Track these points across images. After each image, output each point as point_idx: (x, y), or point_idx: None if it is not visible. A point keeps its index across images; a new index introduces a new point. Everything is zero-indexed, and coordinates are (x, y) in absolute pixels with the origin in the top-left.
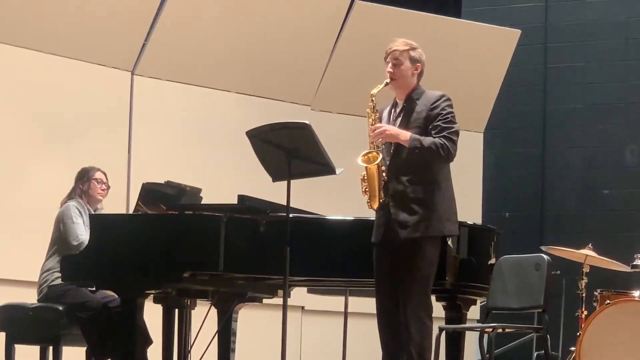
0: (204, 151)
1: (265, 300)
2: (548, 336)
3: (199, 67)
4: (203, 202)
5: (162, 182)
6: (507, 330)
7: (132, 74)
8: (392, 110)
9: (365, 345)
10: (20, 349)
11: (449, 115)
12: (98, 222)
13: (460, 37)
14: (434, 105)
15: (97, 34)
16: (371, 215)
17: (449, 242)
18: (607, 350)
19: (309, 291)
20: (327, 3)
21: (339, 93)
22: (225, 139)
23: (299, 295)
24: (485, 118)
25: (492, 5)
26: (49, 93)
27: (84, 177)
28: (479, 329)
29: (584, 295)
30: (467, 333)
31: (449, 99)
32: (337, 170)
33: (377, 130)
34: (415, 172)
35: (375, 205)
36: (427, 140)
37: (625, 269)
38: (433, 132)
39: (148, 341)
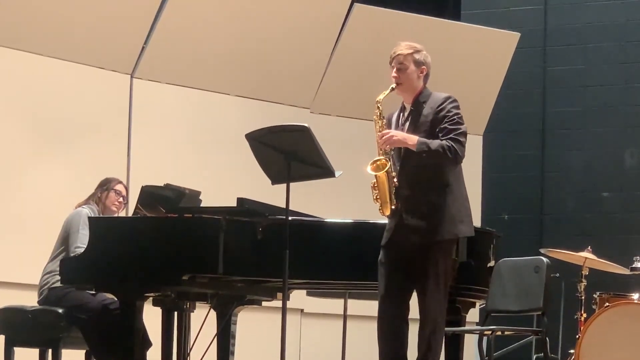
0: (203, 154)
1: (264, 303)
2: (547, 339)
3: (198, 70)
4: (202, 205)
5: (162, 184)
6: (506, 332)
7: (132, 76)
8: (400, 115)
9: (364, 347)
10: (19, 352)
11: (455, 117)
12: (97, 225)
13: (460, 40)
14: (440, 107)
15: (97, 37)
16: (370, 217)
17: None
18: (606, 352)
19: (308, 294)
20: (327, 6)
21: (338, 96)
22: (225, 141)
23: (298, 297)
24: (485, 121)
25: (491, 8)
26: (48, 96)
27: (105, 185)
28: (478, 332)
29: (583, 297)
30: (467, 336)
31: (455, 101)
32: (337, 173)
33: (384, 137)
34: (425, 176)
35: (387, 212)
36: (435, 143)
37: (625, 271)
38: (440, 134)
39: (147, 344)
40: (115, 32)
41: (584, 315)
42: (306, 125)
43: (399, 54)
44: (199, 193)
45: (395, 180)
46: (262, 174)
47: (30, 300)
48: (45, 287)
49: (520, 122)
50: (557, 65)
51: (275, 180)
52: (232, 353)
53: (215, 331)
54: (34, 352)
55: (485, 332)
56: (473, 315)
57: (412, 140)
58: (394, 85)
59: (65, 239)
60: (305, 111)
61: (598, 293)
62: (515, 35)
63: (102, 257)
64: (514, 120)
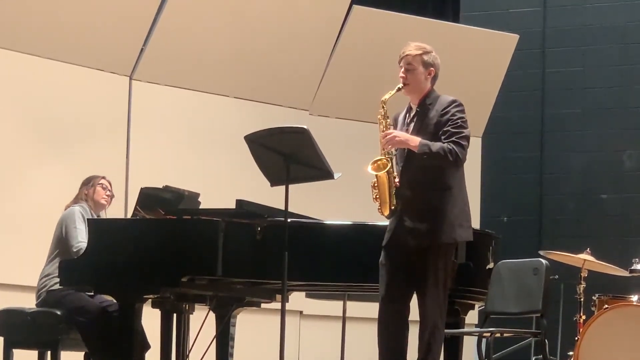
0: (202, 156)
1: (263, 305)
2: (546, 341)
3: (197, 72)
4: (201, 206)
5: (161, 186)
6: (505, 334)
7: (130, 78)
8: (407, 115)
9: (364, 350)
10: (18, 354)
11: (459, 121)
12: (96, 227)
13: (459, 42)
14: (444, 110)
15: (95, 39)
16: (370, 219)
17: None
18: (605, 354)
19: (307, 296)
20: (325, 8)
21: (337, 98)
22: (224, 143)
23: (297, 299)
24: (484, 123)
25: (490, 10)
26: (47, 98)
27: (89, 182)
28: (477, 334)
29: (582, 299)
30: (466, 338)
31: (460, 105)
32: (335, 175)
33: (387, 137)
34: (427, 178)
35: (386, 212)
36: (436, 146)
37: (624, 273)
38: (442, 137)
39: (146, 346)
40: (114, 34)
41: (583, 317)
42: (305, 127)
43: (407, 54)
44: (198, 195)
45: (396, 180)
46: (261, 176)
47: (29, 302)
48: (43, 290)
49: (519, 124)
50: (556, 67)
51: (274, 182)
52: (231, 355)
53: (214, 333)
54: (33, 354)
55: (484, 334)
56: (472, 317)
57: (414, 141)
58: (400, 85)
59: (60, 240)
60: (304, 113)
61: (597, 295)
62: (514, 37)
63: (101, 259)
64: (513, 122)
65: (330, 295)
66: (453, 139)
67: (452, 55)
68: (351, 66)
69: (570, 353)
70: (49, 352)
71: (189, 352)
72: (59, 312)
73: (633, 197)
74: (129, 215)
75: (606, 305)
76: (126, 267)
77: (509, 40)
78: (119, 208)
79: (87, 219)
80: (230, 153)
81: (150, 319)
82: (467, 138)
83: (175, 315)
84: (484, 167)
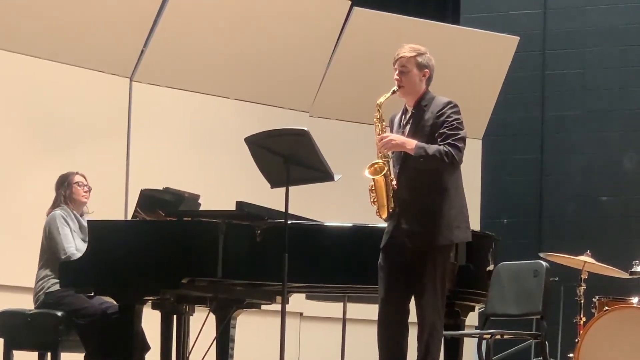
0: (202, 158)
1: (263, 307)
2: (546, 342)
3: (197, 73)
4: (201, 208)
5: (161, 188)
6: (505, 336)
7: (131, 80)
8: (402, 117)
9: (364, 351)
10: (18, 355)
11: (454, 122)
12: (96, 228)
13: (459, 44)
14: (440, 112)
15: (96, 40)
16: (370, 221)
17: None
18: (605, 356)
19: (308, 297)
20: (326, 10)
21: (337, 99)
22: (224, 145)
23: (298, 301)
24: (484, 125)
25: (490, 12)
26: (48, 99)
27: (64, 182)
28: (477, 335)
29: (582, 301)
30: (466, 339)
31: (455, 106)
32: (336, 177)
33: (383, 141)
34: (424, 180)
35: (384, 215)
36: (432, 148)
37: (624, 275)
38: (438, 139)
39: (146, 347)
40: (115, 36)
41: (583, 319)
42: (305, 128)
43: (402, 57)
44: (198, 197)
45: (394, 183)
46: (261, 178)
47: (29, 303)
48: (41, 292)
49: (519, 126)
50: (556, 69)
51: (274, 183)
52: (231, 356)
53: (214, 334)
54: (33, 356)
55: (485, 336)
56: (472, 319)
57: (410, 144)
58: (395, 88)
59: (47, 246)
60: (304, 115)
61: (597, 297)
62: (515, 39)
63: (101, 261)
64: (513, 124)
65: (330, 297)
66: (449, 140)
67: (453, 57)
68: (351, 68)
69: (571, 355)
70: (49, 354)
71: (189, 353)
72: (58, 314)
73: (633, 199)
74: (129, 217)
75: (606, 307)
76: (126, 269)
77: (509, 42)
78: (119, 209)
79: (88, 221)
80: (230, 155)
81: (150, 321)
82: (463, 139)
83: (175, 316)
84: (484, 169)
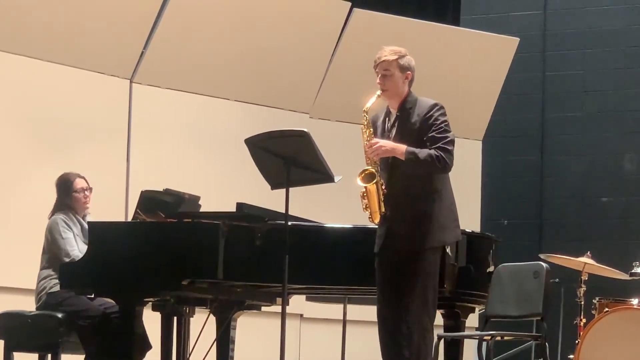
0: (202, 159)
1: (264, 308)
2: (547, 344)
3: (197, 75)
4: (202, 210)
5: (161, 190)
6: (505, 338)
7: (131, 81)
8: (386, 119)
9: (364, 353)
10: (18, 357)
11: (442, 125)
12: (97, 230)
13: (459, 45)
14: (427, 115)
15: (96, 42)
16: (369, 222)
17: (448, 250)
18: (605, 358)
19: (308, 299)
20: (326, 11)
21: (337, 101)
22: (224, 146)
23: (298, 303)
24: (484, 126)
25: (490, 13)
26: (48, 100)
27: (65, 189)
28: (477, 337)
29: (582, 303)
30: (466, 341)
31: (442, 108)
32: (336, 178)
33: (373, 147)
34: (414, 183)
35: (377, 220)
36: (423, 153)
37: (624, 276)
38: (428, 143)
39: (147, 347)
40: (115, 37)
41: (584, 320)
42: (305, 130)
43: (383, 60)
44: (198, 198)
45: (383, 187)
46: (261, 179)
47: (29, 305)
48: (43, 292)
49: (519, 127)
50: (556, 70)
51: (274, 185)
52: (232, 358)
53: (214, 336)
54: (33, 357)
55: (485, 337)
56: (472, 320)
57: (401, 149)
58: (379, 92)
59: (49, 248)
60: (304, 116)
61: (597, 298)
62: (515, 41)
63: (102, 262)
64: (513, 126)
65: (330, 298)
66: (439, 144)
67: (453, 58)
68: (351, 69)
69: (571, 356)
70: (49, 355)
71: (190, 355)
72: (59, 315)
73: (633, 200)
74: (129, 219)
75: (606, 309)
76: (127, 270)
77: (509, 44)
78: (120, 211)
79: (88, 223)
80: (230, 156)
81: (151, 322)
82: (452, 142)
83: (175, 318)
84: (484, 171)
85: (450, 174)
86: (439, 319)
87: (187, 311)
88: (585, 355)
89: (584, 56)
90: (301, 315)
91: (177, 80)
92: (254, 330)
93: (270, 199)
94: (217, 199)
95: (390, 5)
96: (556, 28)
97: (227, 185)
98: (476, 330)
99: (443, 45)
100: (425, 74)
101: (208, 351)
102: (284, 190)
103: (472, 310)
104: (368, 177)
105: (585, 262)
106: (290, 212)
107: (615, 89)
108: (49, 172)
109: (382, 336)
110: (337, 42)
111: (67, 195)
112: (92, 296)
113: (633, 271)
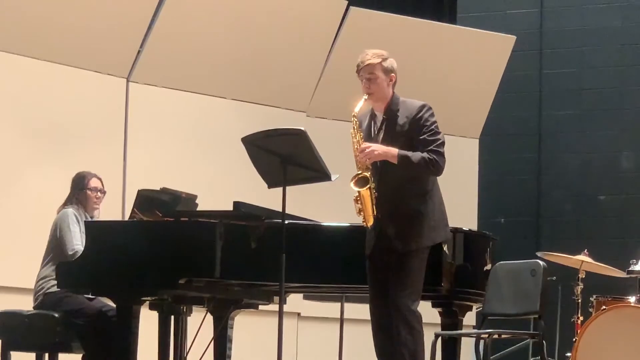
0: (199, 158)
1: (261, 307)
2: (544, 342)
3: (194, 73)
4: (198, 208)
5: (158, 188)
6: (503, 336)
7: (128, 80)
8: (372, 123)
9: (361, 351)
10: (16, 357)
11: (432, 127)
12: (93, 229)
13: (456, 43)
14: (416, 116)
15: (93, 41)
16: None
17: (445, 249)
18: (603, 356)
19: (305, 297)
20: (323, 9)
21: (334, 99)
22: (221, 145)
23: (295, 301)
24: (481, 124)
25: (487, 11)
26: (44, 100)
27: (79, 185)
28: (474, 335)
29: (579, 301)
30: (463, 339)
31: (430, 108)
32: (333, 177)
33: (366, 152)
34: (404, 185)
35: (371, 223)
36: (416, 156)
37: (621, 274)
38: (420, 146)
39: None
40: (111, 36)
41: (581, 318)
42: (302, 128)
43: (367, 64)
44: (195, 197)
45: (374, 191)
46: (258, 178)
47: (26, 304)
48: (41, 292)
49: (516, 125)
50: (553, 68)
51: (271, 183)
52: (229, 357)
53: (212, 335)
54: (31, 357)
55: (482, 336)
56: (470, 318)
57: (393, 153)
58: (366, 96)
59: (54, 243)
60: (301, 115)
61: (595, 296)
62: (511, 38)
63: (99, 261)
64: (510, 124)
65: (328, 297)
66: (431, 147)
67: (449, 56)
68: (348, 68)
69: (568, 354)
70: (46, 355)
71: (187, 354)
72: (56, 315)
73: (630, 198)
74: (126, 218)
75: (604, 307)
76: (123, 269)
77: (506, 42)
78: (116, 210)
79: (85, 222)
80: (227, 155)
81: (148, 321)
82: (443, 144)
83: (172, 317)
84: (481, 169)
85: (447, 172)
86: (436, 318)
87: (185, 310)
88: (583, 353)
89: (581, 54)
90: (298, 314)
91: (173, 79)
92: (251, 329)
93: (267, 197)
94: (214, 198)
95: (387, 3)
96: (553, 26)
97: (224, 184)
98: (473, 328)
99: (439, 44)
100: (422, 72)
101: (205, 350)
102: (280, 188)
103: (470, 308)
104: (361, 182)
105: (583, 260)
106: (287, 211)
107: (612, 86)
108: (46, 172)
109: (376, 334)
110: (334, 41)
111: (81, 191)
112: (92, 296)
113: (630, 269)
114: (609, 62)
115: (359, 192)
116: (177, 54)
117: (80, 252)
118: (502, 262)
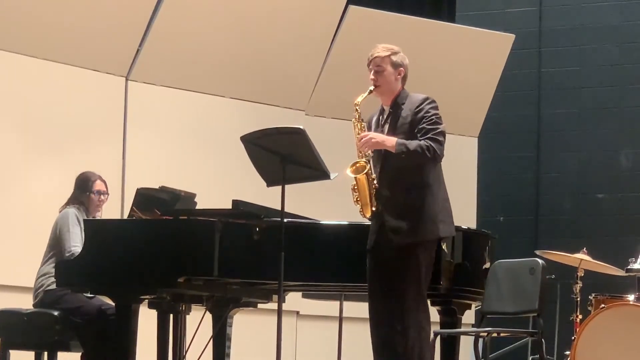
0: (198, 156)
1: (260, 305)
2: (543, 340)
3: (193, 72)
4: (197, 207)
5: (157, 187)
6: (502, 334)
7: (127, 79)
8: (380, 117)
9: (360, 349)
10: (15, 355)
11: (433, 117)
12: (92, 227)
13: (455, 42)
14: (418, 108)
15: (91, 40)
16: (366, 220)
17: (444, 247)
18: (601, 354)
19: (304, 296)
20: (322, 8)
21: (333, 98)
22: (220, 144)
23: (294, 300)
24: (480, 122)
25: (486, 10)
26: (43, 99)
27: (84, 187)
28: (473, 334)
29: (578, 299)
30: (462, 337)
31: (433, 101)
32: (332, 175)
33: (363, 140)
34: (405, 177)
35: (368, 214)
36: (413, 144)
37: (620, 273)
38: (418, 134)
39: None
40: (110, 35)
41: (580, 316)
42: (301, 127)
43: (376, 57)
44: (194, 195)
45: (375, 182)
46: (257, 176)
47: (26, 303)
48: (40, 289)
49: (515, 123)
50: (552, 67)
51: (270, 182)
52: (228, 355)
53: (210, 333)
54: (30, 355)
55: (481, 334)
56: (469, 317)
57: (391, 141)
58: (372, 88)
59: (56, 242)
60: (300, 113)
61: (593, 294)
62: (510, 37)
63: (98, 260)
64: (509, 122)
65: (327, 296)
66: (429, 135)
67: (448, 55)
68: (347, 66)
69: (567, 353)
70: (45, 353)
71: (186, 352)
72: (55, 313)
73: (629, 196)
74: (125, 216)
75: (603, 305)
76: (122, 268)
77: (505, 40)
78: (115, 208)
79: (84, 220)
80: (226, 153)
81: (147, 320)
82: (443, 134)
83: (171, 315)
84: (480, 167)
85: (446, 170)
86: (435, 316)
87: (183, 308)
88: (582, 352)
89: (580, 53)
90: (297, 313)
91: (172, 77)
92: (250, 328)
93: (266, 196)
94: (213, 196)
95: (386, 2)
96: (552, 24)
97: (223, 182)
98: (472, 326)
99: (438, 42)
100: (421, 70)
101: (204, 349)
102: (279, 187)
103: (469, 306)
104: (359, 169)
105: (582, 259)
106: (286, 209)
107: (610, 85)
108: (45, 170)
109: (374, 332)
110: (333, 39)
111: (84, 193)
112: (92, 295)
113: (629, 267)
114: (607, 60)
115: (355, 179)
116: (176, 52)
117: (77, 254)
118: (501, 260)
